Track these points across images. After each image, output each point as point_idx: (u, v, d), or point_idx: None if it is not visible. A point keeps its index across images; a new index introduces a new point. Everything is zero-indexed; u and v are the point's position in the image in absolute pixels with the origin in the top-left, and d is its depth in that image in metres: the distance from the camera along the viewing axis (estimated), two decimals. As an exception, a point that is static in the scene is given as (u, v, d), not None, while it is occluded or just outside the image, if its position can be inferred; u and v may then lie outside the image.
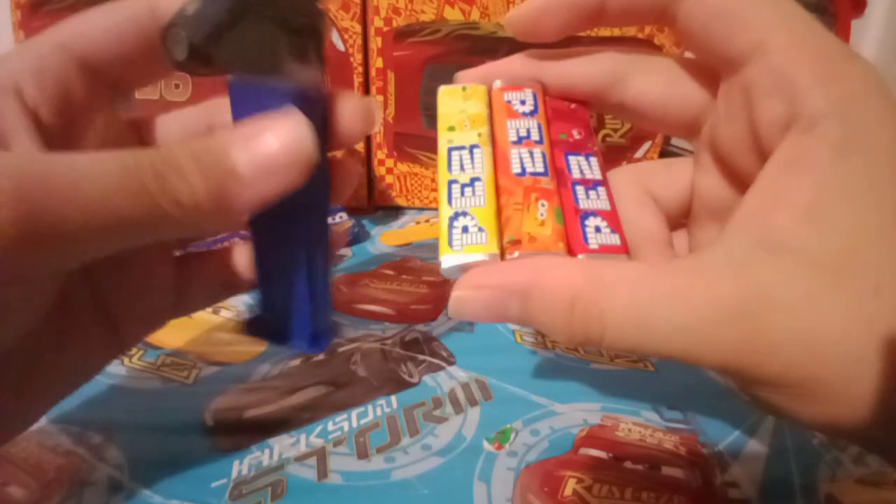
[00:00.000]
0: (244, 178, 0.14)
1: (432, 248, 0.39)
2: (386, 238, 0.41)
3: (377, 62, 0.42)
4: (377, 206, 0.46)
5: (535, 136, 0.14)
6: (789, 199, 0.12)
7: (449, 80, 0.17)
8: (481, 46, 0.42)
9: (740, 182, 0.15)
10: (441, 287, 0.33)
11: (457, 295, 0.12)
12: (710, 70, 0.15)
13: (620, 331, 0.12)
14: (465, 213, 0.13)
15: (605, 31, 0.41)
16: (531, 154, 0.14)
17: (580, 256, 0.13)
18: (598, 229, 0.13)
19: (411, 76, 0.42)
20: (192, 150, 0.14)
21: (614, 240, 0.13)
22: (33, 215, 0.11)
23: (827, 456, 0.22)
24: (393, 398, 0.24)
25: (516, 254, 0.13)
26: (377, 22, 0.40)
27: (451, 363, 0.26)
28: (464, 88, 0.16)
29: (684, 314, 0.12)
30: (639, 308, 0.12)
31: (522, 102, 0.15)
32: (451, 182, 0.14)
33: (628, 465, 0.21)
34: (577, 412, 0.23)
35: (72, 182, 0.12)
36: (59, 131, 0.16)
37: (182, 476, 0.19)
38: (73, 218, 0.12)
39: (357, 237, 0.40)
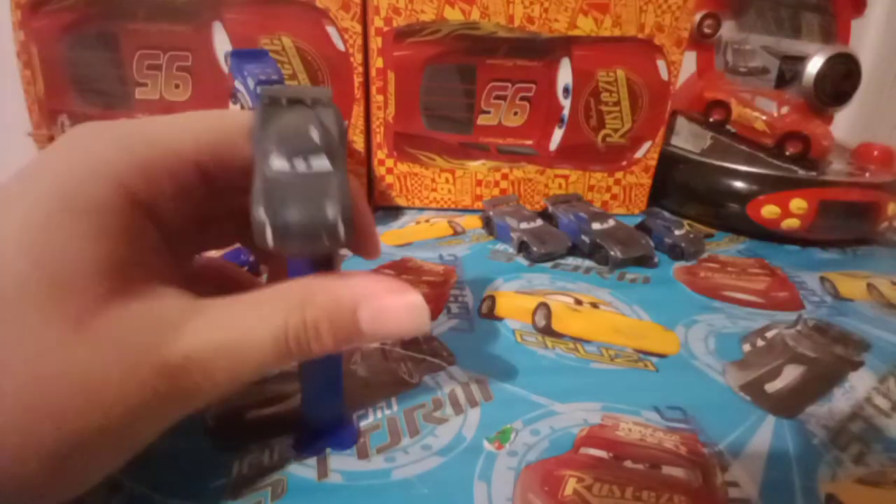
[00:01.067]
0: (364, 334, 0.17)
1: (432, 247, 0.39)
2: (386, 238, 0.41)
3: (377, 62, 0.42)
4: (377, 206, 0.46)
5: None
6: None
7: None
8: (481, 46, 0.42)
9: None
10: (441, 287, 0.33)
11: None
12: None
13: None
14: None
15: (605, 31, 0.41)
16: None
17: None
18: None
19: (411, 76, 0.42)
20: (330, 316, 0.16)
21: None
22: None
23: (827, 456, 0.22)
24: (393, 400, 0.24)
25: None
26: (377, 22, 0.40)
27: (451, 363, 0.26)
28: None
29: None
30: None
31: None
32: None
33: (629, 464, 0.21)
34: (577, 412, 0.23)
35: (235, 362, 0.15)
36: (185, 227, 0.18)
37: (182, 476, 0.19)
38: (226, 384, 0.15)
39: (357, 237, 0.40)
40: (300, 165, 0.16)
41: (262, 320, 0.16)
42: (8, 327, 0.13)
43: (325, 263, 0.18)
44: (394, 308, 0.17)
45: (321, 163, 0.16)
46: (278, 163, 0.16)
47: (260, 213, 0.15)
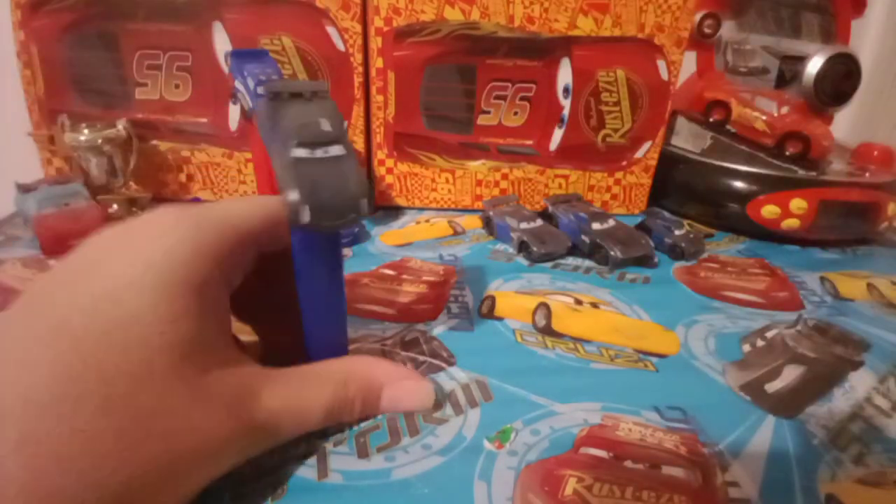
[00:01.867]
0: (383, 408, 0.22)
1: (432, 247, 0.39)
2: (386, 238, 0.41)
3: (377, 62, 0.42)
4: (377, 206, 0.46)
5: None
6: None
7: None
8: (481, 46, 0.42)
9: None
10: (441, 287, 0.33)
11: None
12: None
13: None
14: None
15: (605, 31, 0.41)
16: None
17: None
18: None
19: (411, 76, 0.42)
20: (364, 395, 0.21)
21: None
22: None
23: (827, 456, 0.22)
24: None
25: None
26: (377, 22, 0.40)
27: (451, 363, 0.26)
28: None
29: None
30: None
31: None
32: None
33: (629, 464, 0.21)
34: (577, 412, 0.23)
35: (298, 423, 0.20)
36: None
37: (182, 476, 0.19)
38: (285, 437, 0.20)
39: (357, 237, 0.40)
40: (319, 152, 0.19)
41: (318, 395, 0.20)
42: (146, 384, 0.16)
43: (332, 241, 0.21)
44: (409, 390, 0.22)
45: (336, 148, 0.19)
46: (299, 151, 0.19)
47: (295, 195, 0.18)
